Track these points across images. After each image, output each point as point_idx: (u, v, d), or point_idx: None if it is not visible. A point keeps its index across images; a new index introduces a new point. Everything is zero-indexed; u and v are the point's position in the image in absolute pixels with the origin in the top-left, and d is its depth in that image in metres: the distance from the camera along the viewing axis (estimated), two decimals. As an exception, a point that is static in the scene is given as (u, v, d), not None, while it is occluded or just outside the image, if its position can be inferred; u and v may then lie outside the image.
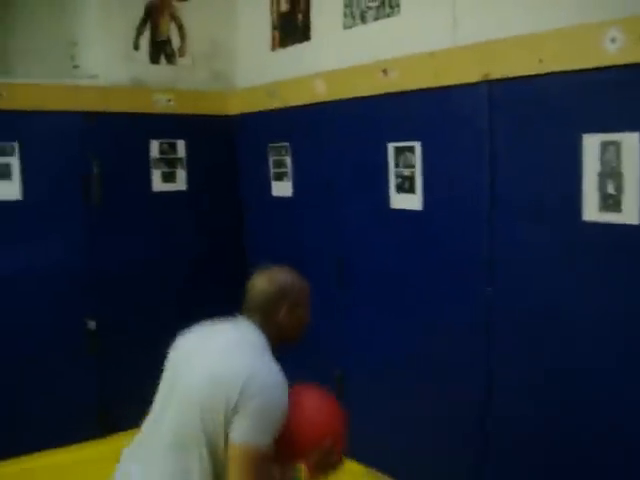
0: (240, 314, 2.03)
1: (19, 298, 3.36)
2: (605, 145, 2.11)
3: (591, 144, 2.14)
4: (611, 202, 2.11)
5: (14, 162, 3.33)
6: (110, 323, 3.57)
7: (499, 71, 2.38)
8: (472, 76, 2.46)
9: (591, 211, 2.16)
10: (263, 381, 1.83)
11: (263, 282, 2.04)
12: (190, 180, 3.85)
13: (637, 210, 2.04)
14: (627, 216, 2.07)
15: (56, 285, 3.44)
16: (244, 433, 1.78)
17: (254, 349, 1.92)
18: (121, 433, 3.39)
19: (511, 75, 2.35)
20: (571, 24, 2.16)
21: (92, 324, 3.54)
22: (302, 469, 2.02)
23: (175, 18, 3.80)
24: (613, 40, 2.04)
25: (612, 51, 2.05)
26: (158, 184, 3.75)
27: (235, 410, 1.79)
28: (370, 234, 3.04)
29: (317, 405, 2.13)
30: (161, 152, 3.75)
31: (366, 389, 3.12)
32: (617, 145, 2.08)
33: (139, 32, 3.70)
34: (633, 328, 2.08)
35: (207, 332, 2.04)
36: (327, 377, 3.29)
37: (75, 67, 3.72)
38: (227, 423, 1.80)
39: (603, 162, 2.12)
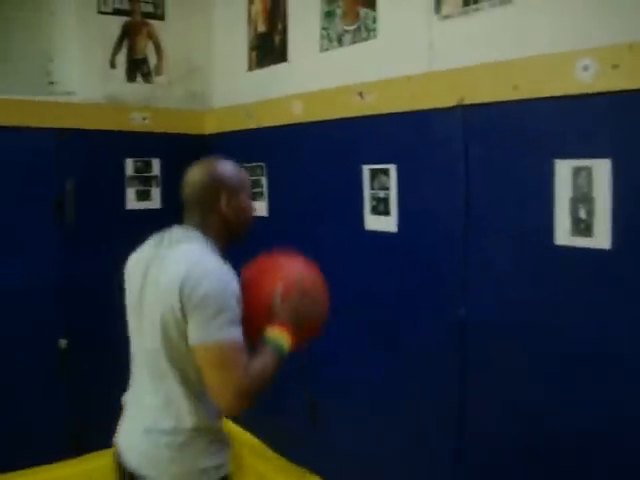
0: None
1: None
2: (577, 170, 2.14)
3: (563, 169, 2.17)
4: (583, 227, 2.14)
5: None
6: (82, 342, 3.53)
7: (474, 96, 2.41)
8: (447, 101, 2.49)
9: (563, 235, 2.19)
10: (201, 272, 1.78)
11: (197, 174, 1.98)
12: (165, 198, 3.84)
13: (608, 235, 2.06)
14: (598, 241, 2.09)
15: (28, 303, 3.40)
16: (199, 333, 1.75)
17: (195, 251, 1.87)
18: (93, 453, 3.35)
19: (485, 101, 2.38)
20: (545, 52, 2.20)
21: (63, 342, 3.50)
22: (279, 335, 1.91)
23: (152, 37, 3.81)
24: (586, 68, 2.08)
25: (585, 79, 2.09)
26: (132, 202, 3.74)
27: (184, 314, 1.76)
28: (345, 255, 3.05)
29: (259, 261, 2.11)
30: (136, 170, 3.75)
31: (339, 413, 3.11)
32: (589, 171, 2.11)
33: (116, 50, 3.70)
34: (604, 351, 2.09)
35: (150, 250, 1.98)
36: (299, 401, 3.29)
37: (51, 83, 3.70)
38: (184, 332, 1.78)
39: (575, 187, 2.15)
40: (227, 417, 1.85)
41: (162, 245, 1.94)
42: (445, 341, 2.59)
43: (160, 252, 1.92)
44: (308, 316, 2.00)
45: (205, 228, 1.94)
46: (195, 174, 1.98)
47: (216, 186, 1.94)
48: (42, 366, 3.45)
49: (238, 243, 2.04)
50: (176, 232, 1.95)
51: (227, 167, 2.01)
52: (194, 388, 1.85)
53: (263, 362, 1.84)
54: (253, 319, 1.91)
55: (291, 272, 2.07)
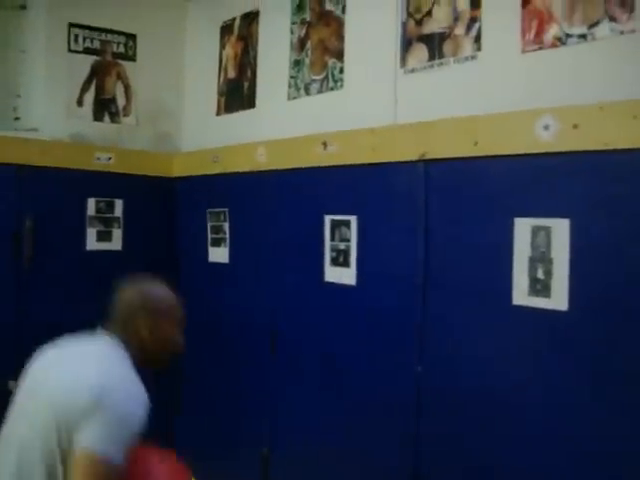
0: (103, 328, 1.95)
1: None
2: (536, 230, 2.12)
3: (522, 228, 2.15)
4: (540, 287, 2.11)
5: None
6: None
7: (436, 151, 2.40)
8: (410, 154, 2.48)
9: (520, 295, 2.16)
10: (117, 391, 1.73)
11: (127, 293, 1.95)
12: (126, 240, 3.77)
13: (566, 296, 2.04)
14: (556, 302, 2.07)
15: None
16: (92, 439, 1.68)
17: (110, 360, 1.83)
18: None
19: (447, 156, 2.37)
20: (508, 109, 2.20)
21: (13, 384, 3.38)
22: None
23: (122, 77, 3.79)
24: (546, 127, 2.08)
25: (545, 138, 2.09)
26: (92, 243, 3.66)
27: (86, 419, 1.69)
28: (304, 306, 3.00)
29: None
30: (97, 210, 3.68)
31: (292, 468, 3.03)
32: (547, 230, 2.09)
33: (84, 89, 3.67)
34: (559, 412, 2.06)
35: (64, 348, 1.95)
36: (253, 455, 3.20)
37: (16, 119, 3.65)
38: (77, 432, 1.70)
39: (534, 247, 2.13)
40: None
41: (80, 342, 1.93)
42: (401, 396, 2.54)
43: (77, 347, 1.91)
44: None
45: (125, 343, 1.91)
46: (125, 293, 1.96)
47: (139, 308, 1.92)
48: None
49: (157, 368, 2.01)
50: (100, 338, 1.93)
51: (158, 292, 1.99)
52: None
53: None
54: None
55: None
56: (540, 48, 2.16)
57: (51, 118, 3.60)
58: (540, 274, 2.11)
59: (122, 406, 1.72)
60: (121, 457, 1.70)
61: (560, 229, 2.06)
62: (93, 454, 1.66)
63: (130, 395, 1.76)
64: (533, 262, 2.13)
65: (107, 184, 3.70)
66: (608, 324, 1.95)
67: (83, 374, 1.77)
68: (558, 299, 2.06)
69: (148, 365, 1.95)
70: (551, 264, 2.08)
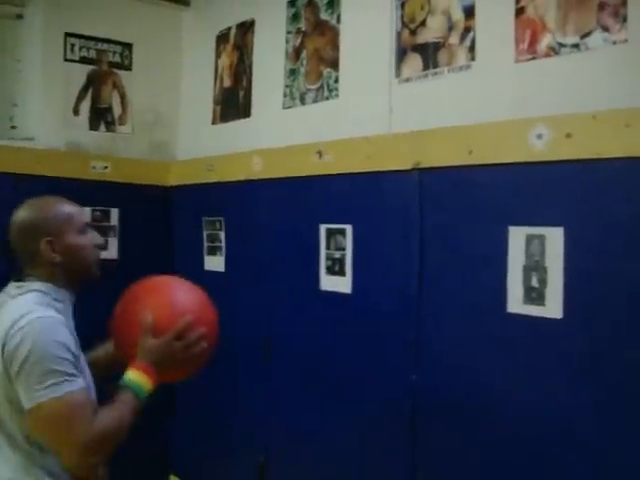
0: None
1: None
2: (530, 238, 2.13)
3: (516, 237, 2.16)
4: (535, 295, 2.12)
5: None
6: None
7: (430, 160, 2.41)
8: (404, 163, 2.49)
9: (515, 303, 2.17)
10: (20, 332, 1.61)
11: (15, 220, 1.81)
12: (122, 249, 3.77)
13: (560, 304, 2.05)
14: (550, 310, 2.07)
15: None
16: (31, 395, 1.59)
17: (16, 306, 1.70)
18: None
19: (442, 164, 2.38)
20: (502, 118, 2.22)
21: None
22: (138, 378, 1.75)
23: (118, 86, 3.80)
24: (539, 136, 2.09)
25: (538, 147, 2.10)
26: (88, 251, 3.66)
27: (9, 377, 1.61)
28: (299, 314, 3.00)
29: (141, 284, 1.96)
30: (93, 219, 3.68)
31: (289, 477, 3.02)
32: (542, 239, 2.10)
33: (80, 98, 3.68)
34: (555, 420, 2.06)
35: None
36: (249, 463, 3.20)
37: (12, 128, 3.66)
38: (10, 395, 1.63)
39: (528, 255, 2.14)
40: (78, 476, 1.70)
41: None
42: (397, 404, 2.54)
43: None
44: (176, 361, 1.84)
45: (40, 277, 1.77)
46: (14, 220, 1.81)
47: (29, 238, 1.77)
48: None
49: (89, 282, 1.87)
50: (11, 286, 1.79)
51: (45, 207, 1.82)
52: (25, 456, 1.69)
53: (118, 410, 1.70)
54: (125, 350, 1.80)
55: (169, 302, 1.91)
56: (533, 58, 2.17)
57: (47, 127, 3.60)
58: (534, 282, 2.12)
59: (43, 346, 1.60)
60: (78, 385, 1.62)
61: (554, 237, 2.07)
62: (48, 402, 1.58)
63: (45, 327, 1.64)
64: (527, 270, 2.13)
65: (103, 193, 3.70)
66: (602, 332, 1.96)
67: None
68: (552, 307, 2.07)
69: (75, 286, 1.83)
70: (545, 272, 2.09)
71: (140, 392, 1.76)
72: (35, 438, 1.67)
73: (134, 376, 1.77)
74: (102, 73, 3.74)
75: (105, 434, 1.65)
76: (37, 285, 1.75)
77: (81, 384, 1.65)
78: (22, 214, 1.81)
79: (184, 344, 1.84)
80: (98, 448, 1.64)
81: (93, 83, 3.72)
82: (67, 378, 1.61)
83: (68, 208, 1.86)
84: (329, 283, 2.83)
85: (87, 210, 3.64)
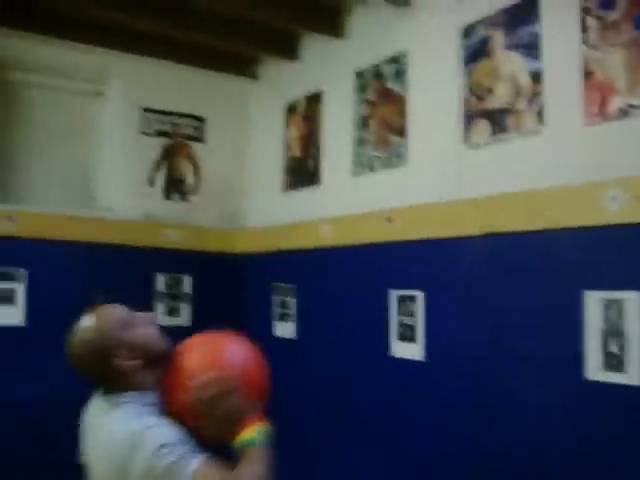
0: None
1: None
2: (607, 303, 2.08)
3: (593, 301, 2.12)
4: (615, 362, 2.05)
5: (19, 288, 3.36)
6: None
7: (500, 225, 2.40)
8: (473, 229, 2.48)
9: (594, 370, 2.11)
10: (131, 445, 1.58)
11: (75, 357, 1.74)
12: (194, 316, 3.83)
13: (640, 371, 1.98)
14: (631, 377, 2.01)
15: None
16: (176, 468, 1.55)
17: (114, 424, 1.67)
18: None
19: (512, 230, 2.36)
20: (572, 182, 2.20)
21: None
22: (251, 430, 1.68)
23: (191, 158, 3.92)
24: (614, 199, 2.06)
25: (613, 210, 2.07)
26: (162, 318, 3.73)
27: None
28: (370, 382, 2.97)
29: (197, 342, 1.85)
30: (167, 286, 3.76)
31: None
32: (619, 303, 2.05)
33: (155, 169, 3.81)
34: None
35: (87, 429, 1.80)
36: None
37: (91, 199, 3.80)
38: None
39: (606, 320, 2.08)
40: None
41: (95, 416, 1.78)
42: (469, 473, 2.49)
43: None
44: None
45: (124, 388, 1.73)
46: (75, 347, 1.74)
47: (102, 355, 1.71)
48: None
49: (161, 359, 1.82)
50: (98, 400, 1.77)
51: (99, 324, 1.75)
52: None
53: (243, 467, 1.66)
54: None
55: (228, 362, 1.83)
56: (604, 120, 2.16)
57: (124, 198, 3.74)
58: (614, 348, 2.06)
59: (156, 443, 1.58)
60: (199, 458, 1.60)
61: (632, 301, 2.02)
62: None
63: (147, 429, 1.62)
64: (606, 336, 2.08)
65: (175, 260, 3.79)
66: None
67: (111, 452, 1.64)
68: (633, 374, 2.00)
69: (153, 371, 1.79)
70: (624, 338, 2.03)
71: (252, 441, 1.71)
72: None
73: (244, 433, 1.72)
74: (176, 145, 3.88)
75: None
76: (127, 397, 1.74)
77: (201, 457, 1.62)
78: (81, 342, 1.75)
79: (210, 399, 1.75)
80: None
81: (168, 155, 3.86)
82: (190, 456, 1.61)
83: (115, 312, 1.80)
84: (400, 349, 2.81)
85: (160, 277, 3.73)
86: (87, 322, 1.76)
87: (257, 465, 1.67)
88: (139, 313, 1.84)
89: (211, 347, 1.89)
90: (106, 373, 1.73)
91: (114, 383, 1.74)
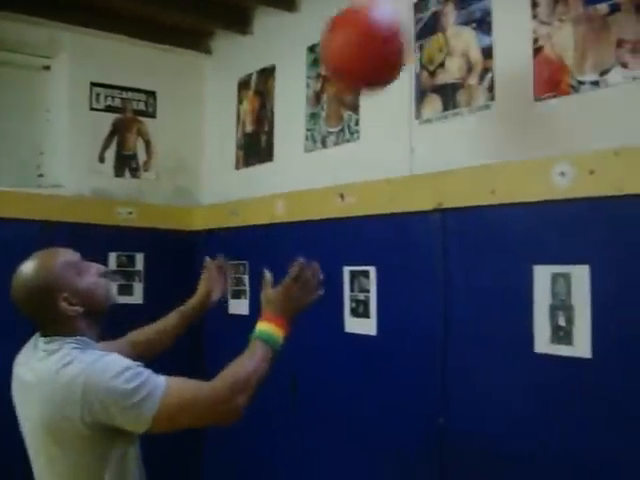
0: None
1: None
2: (555, 277, 2.11)
3: (542, 275, 2.14)
4: (562, 334, 2.09)
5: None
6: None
7: (452, 200, 2.41)
8: (426, 204, 2.49)
9: (542, 343, 2.14)
10: (85, 380, 1.58)
11: (19, 295, 1.73)
12: (147, 294, 3.79)
13: (588, 343, 2.02)
14: (578, 349, 2.04)
15: None
16: (138, 414, 1.57)
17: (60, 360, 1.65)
18: None
19: (464, 205, 2.38)
20: (523, 157, 2.21)
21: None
22: (264, 326, 1.81)
23: (142, 134, 3.86)
24: (562, 174, 2.08)
25: (562, 185, 2.09)
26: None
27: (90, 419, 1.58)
28: (324, 357, 2.98)
29: None
30: (119, 264, 3.71)
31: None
32: (567, 277, 2.08)
33: (105, 145, 3.74)
34: (585, 462, 2.01)
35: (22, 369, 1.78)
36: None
37: (40, 176, 3.72)
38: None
39: (554, 294, 2.11)
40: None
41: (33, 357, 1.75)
42: (424, 448, 2.50)
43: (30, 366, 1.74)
44: (300, 304, 1.97)
45: (67, 333, 1.71)
46: (19, 286, 1.73)
47: (47, 295, 1.70)
48: None
49: (108, 312, 1.83)
50: (39, 340, 1.75)
51: (47, 265, 1.74)
52: None
53: (245, 357, 1.76)
54: None
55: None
56: (553, 96, 2.17)
57: (74, 174, 3.66)
58: (561, 321, 2.09)
59: (111, 376, 1.58)
60: (163, 378, 1.62)
61: (580, 275, 2.04)
62: (160, 403, 1.59)
63: (105, 363, 1.61)
64: (554, 309, 2.11)
65: (128, 238, 3.74)
66: (635, 370, 1.92)
67: (61, 388, 1.62)
68: (581, 346, 2.04)
69: (101, 320, 1.80)
70: (572, 311, 2.06)
71: (269, 339, 1.81)
72: None
73: (262, 327, 1.83)
74: (127, 121, 3.81)
75: (235, 379, 1.71)
76: (71, 340, 1.71)
77: (163, 378, 1.64)
78: (27, 278, 1.73)
79: (301, 286, 1.96)
80: (233, 393, 1.70)
81: (118, 131, 3.79)
82: (155, 378, 1.62)
83: (65, 256, 1.80)
84: (354, 325, 2.82)
85: (113, 255, 3.68)
86: (37, 260, 1.76)
87: (253, 358, 1.76)
88: (91, 262, 1.84)
89: None
90: (48, 315, 1.71)
91: (55, 326, 1.72)
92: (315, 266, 1.98)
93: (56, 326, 1.72)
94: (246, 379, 1.72)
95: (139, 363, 1.66)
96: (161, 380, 1.62)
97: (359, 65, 1.95)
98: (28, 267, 1.75)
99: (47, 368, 1.66)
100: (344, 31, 1.99)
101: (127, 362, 1.64)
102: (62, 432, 1.63)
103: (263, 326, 1.83)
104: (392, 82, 2.07)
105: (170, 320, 2.41)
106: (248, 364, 1.74)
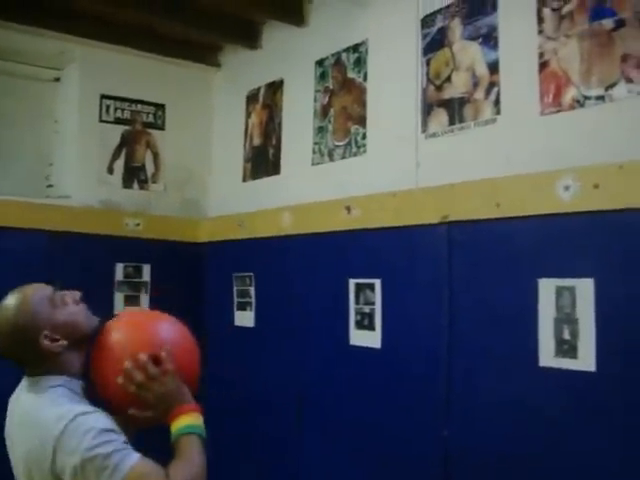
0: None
1: None
2: (560, 290, 2.11)
3: (546, 289, 2.15)
4: (567, 348, 2.09)
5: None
6: None
7: (458, 214, 2.42)
8: (432, 217, 2.50)
9: (547, 356, 2.14)
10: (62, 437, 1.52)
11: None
12: (154, 304, 3.79)
13: (593, 357, 2.02)
14: (583, 362, 2.04)
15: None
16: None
17: (39, 411, 1.62)
18: None
19: (469, 218, 2.39)
20: (528, 171, 2.22)
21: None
22: (188, 418, 1.66)
23: (151, 146, 3.89)
24: (567, 188, 2.09)
25: (566, 198, 2.10)
26: (120, 307, 3.70)
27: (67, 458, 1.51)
28: (330, 370, 2.99)
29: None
30: (126, 275, 3.73)
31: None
32: (572, 290, 2.08)
33: (114, 157, 3.77)
34: (588, 475, 2.01)
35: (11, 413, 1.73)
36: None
37: (49, 186, 3.75)
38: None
39: (558, 307, 2.12)
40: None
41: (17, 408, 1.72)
42: (428, 460, 2.50)
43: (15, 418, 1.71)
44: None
45: (50, 371, 1.68)
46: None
47: (27, 336, 1.65)
48: None
49: (88, 340, 1.75)
50: (27, 381, 1.72)
51: (23, 304, 1.67)
52: None
53: (184, 455, 1.62)
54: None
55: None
56: (559, 110, 2.19)
57: (82, 185, 3.69)
58: (566, 335, 2.09)
59: (88, 420, 1.54)
60: (136, 454, 1.54)
61: (584, 289, 2.05)
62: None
63: (82, 424, 1.54)
64: (558, 323, 2.11)
65: (135, 249, 3.76)
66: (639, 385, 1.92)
67: (38, 439, 1.57)
68: (585, 360, 2.04)
69: (81, 352, 1.73)
70: (577, 324, 2.06)
71: (197, 429, 1.69)
72: None
73: (181, 420, 1.69)
74: (136, 133, 3.84)
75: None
76: (55, 380, 1.68)
77: (136, 454, 1.57)
78: (3, 323, 1.68)
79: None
80: None
81: (127, 143, 3.82)
82: (127, 452, 1.55)
83: (40, 292, 1.73)
84: (359, 337, 2.82)
85: (119, 266, 3.70)
86: (11, 301, 1.69)
87: (194, 455, 1.63)
88: (64, 292, 1.77)
89: (143, 325, 1.81)
90: (31, 354, 1.67)
91: (40, 365, 1.68)
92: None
93: (42, 365, 1.69)
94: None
95: (118, 430, 1.60)
96: (131, 456, 1.54)
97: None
98: (4, 310, 1.69)
99: (31, 407, 1.65)
100: None
101: (102, 424, 1.57)
102: (35, 472, 1.59)
103: (184, 420, 1.69)
104: None
105: None
106: (188, 466, 1.62)
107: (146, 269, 3.80)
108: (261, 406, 3.38)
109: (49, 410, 1.60)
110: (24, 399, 1.70)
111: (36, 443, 1.57)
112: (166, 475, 1.55)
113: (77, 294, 1.79)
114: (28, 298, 1.68)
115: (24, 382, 1.73)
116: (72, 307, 1.74)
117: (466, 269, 2.42)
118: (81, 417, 1.56)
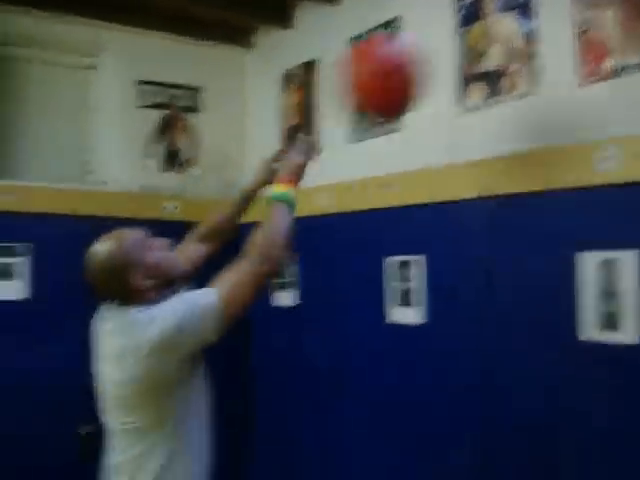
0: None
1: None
2: (602, 263, 2.09)
3: (587, 262, 2.13)
4: (608, 321, 2.07)
5: (24, 262, 3.39)
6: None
7: (497, 187, 2.41)
8: (471, 192, 2.49)
9: (589, 330, 2.13)
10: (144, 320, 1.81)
11: (94, 274, 1.90)
12: (193, 285, 3.83)
13: (635, 329, 2.00)
14: (625, 335, 2.03)
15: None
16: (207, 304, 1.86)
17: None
18: None
19: (508, 192, 2.37)
20: (566, 142, 2.20)
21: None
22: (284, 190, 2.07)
23: (188, 129, 3.91)
24: (608, 158, 2.07)
25: (607, 169, 2.08)
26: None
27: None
28: (368, 347, 3.00)
29: None
30: (166, 258, 3.77)
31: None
32: (614, 263, 2.06)
33: (152, 142, 3.81)
34: (632, 447, 2.01)
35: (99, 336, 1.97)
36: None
37: (88, 173, 3.80)
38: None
39: (600, 280, 2.10)
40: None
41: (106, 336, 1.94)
42: (469, 437, 2.52)
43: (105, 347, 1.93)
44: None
45: (137, 305, 1.89)
46: (94, 264, 1.90)
47: (122, 272, 1.87)
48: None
49: (174, 282, 2.03)
50: (109, 308, 1.94)
51: (119, 244, 1.91)
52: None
53: (270, 220, 2.01)
54: None
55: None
56: (597, 80, 2.15)
57: (122, 171, 3.74)
58: (608, 307, 2.08)
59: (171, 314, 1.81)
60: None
61: (626, 261, 2.03)
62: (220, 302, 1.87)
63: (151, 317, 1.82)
64: (600, 296, 2.10)
65: (174, 232, 3.78)
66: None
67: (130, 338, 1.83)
68: (627, 332, 2.03)
69: (165, 289, 1.96)
70: (619, 297, 2.05)
71: (282, 197, 2.11)
72: None
73: (279, 190, 2.12)
74: (172, 117, 3.87)
75: (263, 240, 1.98)
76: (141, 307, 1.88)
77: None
78: (101, 259, 1.89)
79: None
80: (268, 250, 1.98)
81: (164, 127, 3.85)
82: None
83: (134, 235, 1.96)
84: (399, 315, 2.83)
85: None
86: (107, 241, 1.92)
87: (279, 219, 2.04)
88: (157, 238, 2.02)
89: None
90: (122, 290, 1.88)
91: (129, 300, 1.88)
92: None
93: (129, 299, 1.88)
94: (272, 236, 1.99)
95: None
96: (210, 291, 1.88)
97: (368, 97, 2.21)
98: (101, 248, 1.91)
99: (122, 315, 1.87)
100: (354, 65, 2.22)
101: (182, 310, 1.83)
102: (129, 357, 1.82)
103: (272, 189, 2.13)
104: (405, 112, 2.26)
105: (229, 202, 2.71)
106: (270, 224, 2.01)
107: (186, 251, 3.83)
108: (304, 385, 3.40)
109: (139, 314, 1.84)
110: (113, 314, 1.90)
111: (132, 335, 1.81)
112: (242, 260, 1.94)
113: (167, 241, 2.06)
114: (124, 240, 1.92)
115: (109, 311, 1.93)
116: (161, 252, 1.99)
117: (506, 243, 2.41)
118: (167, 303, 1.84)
